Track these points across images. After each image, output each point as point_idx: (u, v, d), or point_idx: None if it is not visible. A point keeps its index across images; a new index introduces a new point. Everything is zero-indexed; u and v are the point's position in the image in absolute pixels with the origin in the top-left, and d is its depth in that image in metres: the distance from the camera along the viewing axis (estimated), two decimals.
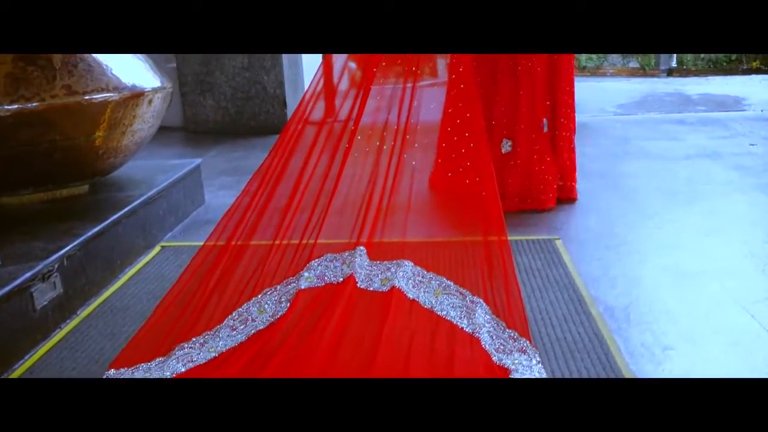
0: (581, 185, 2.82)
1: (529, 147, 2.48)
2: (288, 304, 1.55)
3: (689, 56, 18.05)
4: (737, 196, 2.59)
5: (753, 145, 3.40)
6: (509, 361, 1.40)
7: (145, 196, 2.31)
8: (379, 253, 1.70)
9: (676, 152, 3.35)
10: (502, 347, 1.45)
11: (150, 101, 2.26)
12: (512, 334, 1.49)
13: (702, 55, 18.27)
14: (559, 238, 2.21)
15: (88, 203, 2.25)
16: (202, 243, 1.71)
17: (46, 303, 1.71)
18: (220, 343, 1.49)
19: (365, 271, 1.65)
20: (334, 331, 1.44)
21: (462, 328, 1.50)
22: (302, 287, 1.59)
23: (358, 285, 1.60)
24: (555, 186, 2.53)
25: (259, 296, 1.62)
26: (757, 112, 4.37)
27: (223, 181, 3.19)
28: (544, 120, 2.49)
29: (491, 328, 1.50)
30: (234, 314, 1.57)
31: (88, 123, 2.10)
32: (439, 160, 2.37)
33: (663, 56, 17.67)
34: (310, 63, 5.47)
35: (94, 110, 2.08)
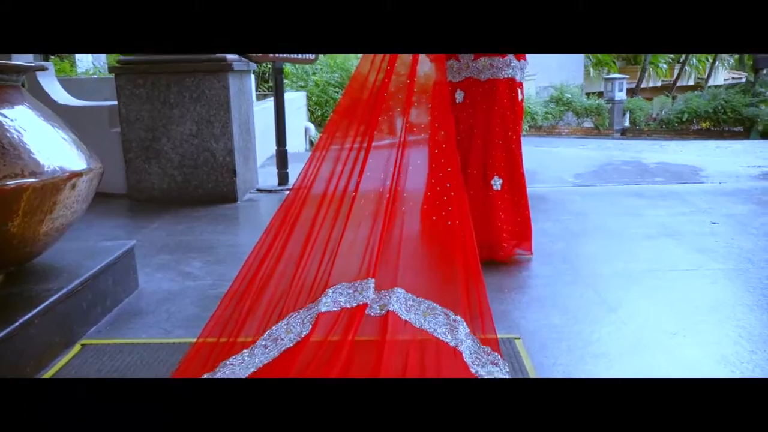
0: (540, 270, 2.71)
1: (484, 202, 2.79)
2: (311, 325, 1.81)
3: (642, 117, 18.55)
4: (703, 286, 2.47)
5: (714, 223, 3.33)
6: (484, 372, 1.73)
7: (65, 289, 2.08)
8: (378, 283, 1.96)
9: (637, 230, 3.25)
10: (478, 360, 1.78)
11: (74, 185, 2.05)
12: (486, 350, 1.81)
13: (654, 116, 18.80)
14: (519, 337, 2.05)
15: None
16: (129, 341, 1.84)
17: None
18: (257, 359, 1.76)
19: (371, 300, 1.92)
20: (349, 347, 1.72)
21: (447, 342, 1.79)
22: (322, 311, 1.84)
23: (366, 312, 1.86)
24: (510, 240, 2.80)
25: (286, 319, 1.87)
26: (715, 184, 4.35)
27: (161, 260, 2.96)
28: (495, 177, 2.79)
29: (470, 343, 1.81)
30: (265, 335, 1.84)
31: (1, 211, 1.88)
32: (425, 207, 2.46)
33: (616, 116, 18.14)
34: (263, 130, 5.34)
35: (7, 198, 1.87)
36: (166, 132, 4.09)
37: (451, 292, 1.97)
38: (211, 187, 4.15)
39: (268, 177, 4.90)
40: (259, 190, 4.54)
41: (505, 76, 2.82)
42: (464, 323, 1.86)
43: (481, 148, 2.81)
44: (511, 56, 2.80)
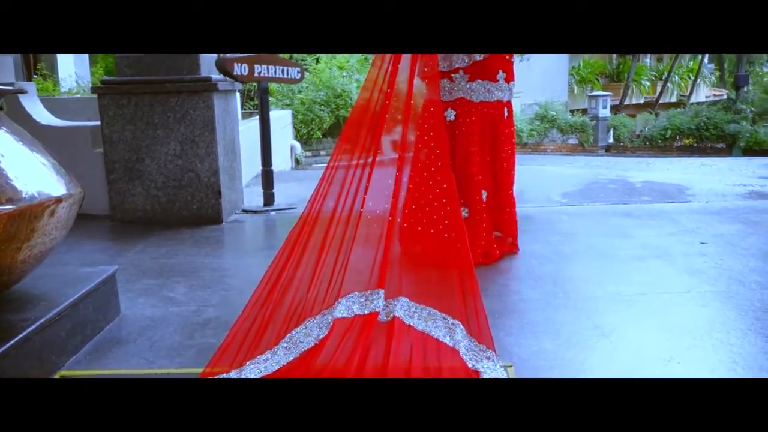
0: (531, 294, 2.68)
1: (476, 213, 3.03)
2: (327, 330, 2.01)
3: (625, 133, 18.68)
4: (696, 309, 2.45)
5: (703, 243, 3.32)
6: (480, 366, 1.93)
7: (43, 319, 2.01)
8: (386, 293, 2.18)
9: (627, 251, 3.23)
10: (475, 357, 1.97)
11: (53, 212, 1.99)
12: (482, 348, 2.01)
13: (638, 133, 18.94)
14: (511, 365, 2.01)
15: None
16: (110, 372, 1.90)
17: None
18: (280, 359, 1.96)
19: (381, 308, 2.13)
20: (362, 349, 1.92)
21: (446, 343, 2.01)
22: (337, 317, 2.04)
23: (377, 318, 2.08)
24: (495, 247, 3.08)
25: (304, 324, 2.07)
26: (702, 203, 4.35)
27: (144, 285, 2.89)
28: (483, 191, 3.04)
29: (467, 343, 2.02)
30: (286, 338, 2.03)
31: None
32: (405, 224, 2.73)
33: (600, 133, 18.26)
34: (249, 149, 5.29)
35: None
36: (150, 152, 4.03)
37: (449, 298, 2.18)
38: (195, 208, 4.09)
39: (254, 197, 4.85)
40: (245, 211, 4.49)
41: (495, 98, 3.02)
42: (461, 326, 2.08)
43: (475, 164, 3.00)
44: (501, 80, 3.00)
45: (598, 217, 4.06)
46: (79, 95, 7.28)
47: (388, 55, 2.43)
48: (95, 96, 4.13)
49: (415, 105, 2.47)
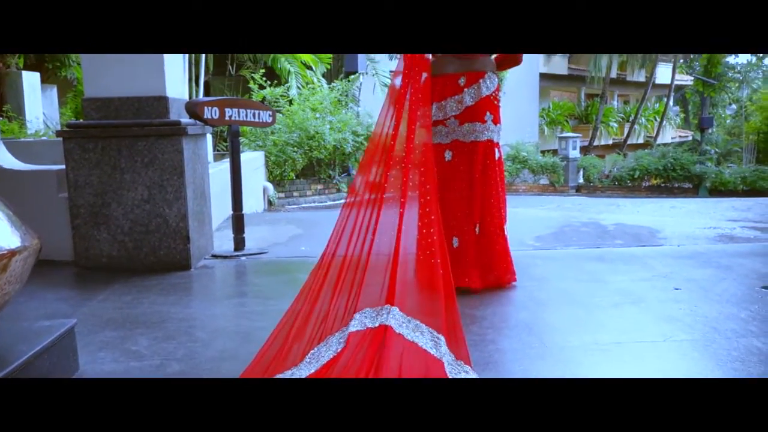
0: (507, 343, 2.63)
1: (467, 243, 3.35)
2: (344, 342, 2.23)
3: (595, 173, 18.98)
4: (673, 359, 2.41)
5: (677, 289, 3.30)
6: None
7: None
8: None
9: (602, 298, 3.20)
10: (454, 371, 2.17)
11: (5, 266, 1.90)
12: (460, 363, 2.22)
13: (607, 173, 19.26)
14: None
15: None
16: None
17: None
18: (302, 372, 2.15)
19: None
20: (370, 357, 2.13)
21: (432, 354, 2.21)
22: (352, 331, 2.27)
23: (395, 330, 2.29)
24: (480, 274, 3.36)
25: (325, 341, 2.30)
26: (674, 247, 4.37)
27: (105, 337, 2.78)
28: (476, 225, 3.35)
29: (448, 358, 2.22)
30: (309, 354, 2.25)
31: None
32: (418, 252, 2.90)
33: (571, 174, 18.51)
34: (220, 191, 5.22)
35: None
36: (117, 197, 3.93)
37: (434, 315, 2.41)
38: (163, 254, 3.99)
39: (225, 241, 4.76)
40: (214, 256, 4.39)
41: (485, 138, 3.33)
42: (444, 341, 2.29)
43: (468, 198, 3.33)
44: (489, 121, 3.32)
45: (572, 261, 4.05)
46: (45, 137, 7.16)
47: (393, 100, 2.92)
48: (61, 139, 4.03)
49: (415, 146, 2.82)
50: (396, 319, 2.32)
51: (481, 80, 3.29)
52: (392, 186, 2.74)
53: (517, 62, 3.48)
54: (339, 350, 2.22)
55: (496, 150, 3.39)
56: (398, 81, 3.03)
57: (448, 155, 3.35)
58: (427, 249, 2.75)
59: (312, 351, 2.27)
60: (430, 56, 3.27)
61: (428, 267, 2.69)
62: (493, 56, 3.39)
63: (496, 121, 3.35)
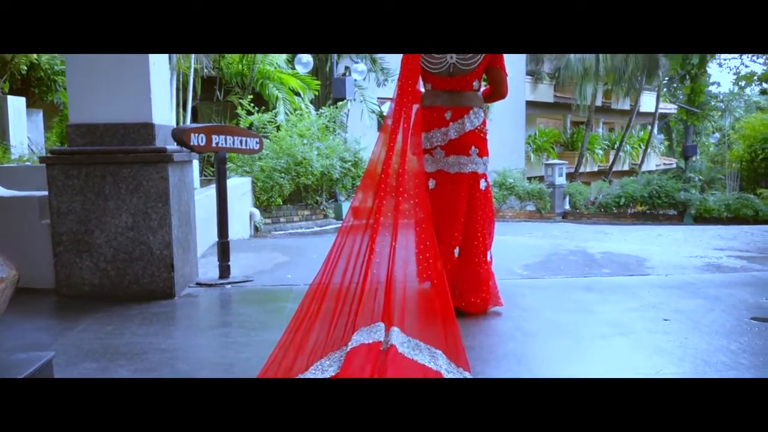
0: (495, 375, 2.59)
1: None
2: (344, 359, 2.39)
3: (581, 200, 19.07)
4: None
5: (666, 320, 3.28)
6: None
7: None
8: (386, 326, 2.60)
9: (590, 329, 3.18)
10: (451, 374, 2.36)
11: None
12: (460, 369, 2.41)
13: (592, 200, 19.35)
14: None
15: None
16: None
17: None
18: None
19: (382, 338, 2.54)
20: (371, 370, 2.31)
21: (431, 367, 2.37)
22: (349, 348, 2.44)
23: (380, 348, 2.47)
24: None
25: (326, 357, 2.48)
26: (662, 276, 4.36)
27: (84, 369, 2.70)
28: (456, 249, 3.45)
29: (447, 366, 2.41)
30: (314, 366, 2.41)
31: None
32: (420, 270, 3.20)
33: (557, 200, 18.60)
34: (206, 217, 5.16)
35: None
36: (100, 224, 3.87)
37: (433, 332, 2.60)
38: (146, 282, 3.92)
39: (210, 268, 4.70)
40: (199, 284, 4.32)
41: (469, 170, 3.45)
42: (443, 354, 2.47)
43: (449, 226, 3.43)
44: (474, 154, 3.44)
45: (560, 290, 4.02)
46: (29, 163, 7.09)
47: (387, 130, 3.13)
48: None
49: (407, 174, 3.04)
50: (397, 337, 2.50)
51: (465, 115, 3.41)
52: (386, 213, 2.94)
53: (502, 96, 3.55)
54: (341, 366, 2.39)
55: (482, 180, 3.50)
56: (391, 110, 3.21)
57: (431, 184, 3.45)
58: (425, 272, 3.05)
59: (315, 364, 2.45)
60: (422, 88, 3.45)
61: (426, 288, 2.99)
62: (481, 91, 3.51)
63: (482, 154, 3.47)
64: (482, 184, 3.50)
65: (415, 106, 3.26)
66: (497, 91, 3.52)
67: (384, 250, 2.82)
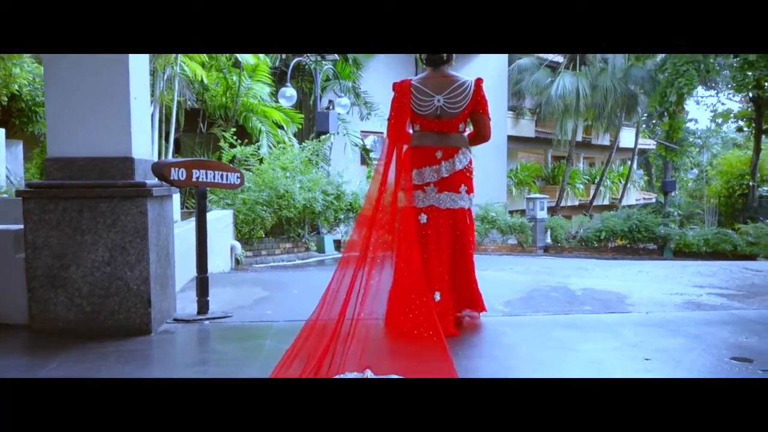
0: None
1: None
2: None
3: (562, 234, 19.16)
4: None
5: (648, 359, 3.27)
6: None
7: None
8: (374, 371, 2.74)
9: (572, 368, 3.15)
10: None
11: None
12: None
13: (574, 234, 19.46)
14: None
15: None
16: None
17: None
18: None
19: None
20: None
21: None
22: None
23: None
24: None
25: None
26: (643, 314, 4.36)
27: None
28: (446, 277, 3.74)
29: None
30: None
31: None
32: (389, 313, 3.50)
33: (539, 234, 18.67)
34: (186, 251, 5.11)
35: None
36: (76, 259, 3.81)
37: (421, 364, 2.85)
38: (122, 318, 3.85)
39: (188, 303, 4.62)
40: (176, 320, 4.25)
41: (458, 206, 3.75)
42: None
43: (436, 258, 3.68)
44: (463, 192, 3.75)
45: (542, 328, 4.00)
46: (6, 195, 7.00)
47: (381, 170, 3.48)
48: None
49: (398, 210, 3.36)
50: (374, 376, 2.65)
51: (455, 155, 3.72)
52: (379, 248, 3.33)
53: (485, 139, 3.86)
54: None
55: (468, 216, 3.85)
56: (384, 149, 3.58)
57: (423, 218, 3.71)
58: (415, 319, 3.30)
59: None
60: (410, 130, 3.75)
61: (414, 326, 3.26)
62: (466, 133, 3.82)
63: (470, 191, 3.80)
64: (468, 219, 3.85)
65: (405, 147, 3.59)
66: (480, 134, 3.83)
67: (377, 288, 3.20)
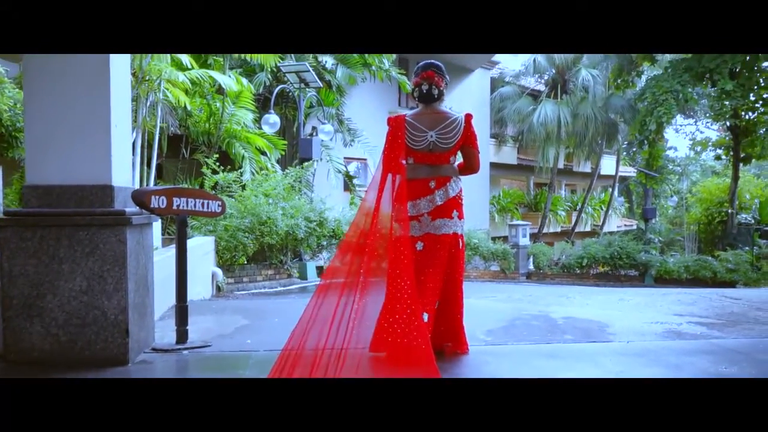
0: None
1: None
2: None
3: (545, 261, 19.20)
4: None
5: None
6: None
7: None
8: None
9: None
10: None
11: None
12: None
13: (556, 261, 19.50)
14: None
15: None
16: None
17: None
18: None
19: None
20: None
21: None
22: None
23: None
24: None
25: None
26: (623, 343, 4.37)
27: None
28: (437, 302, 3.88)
29: None
30: None
31: None
32: (398, 330, 3.50)
33: (521, 261, 18.70)
34: (166, 278, 5.05)
35: None
36: (53, 288, 3.75)
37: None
38: (99, 348, 3.78)
39: (167, 332, 4.57)
40: (155, 350, 4.19)
41: (452, 231, 3.93)
42: None
43: (433, 281, 3.84)
44: (456, 217, 3.95)
45: (523, 358, 4.00)
46: None
47: (370, 203, 3.63)
48: None
49: (393, 239, 3.51)
50: None
51: (448, 184, 3.94)
52: (370, 274, 3.45)
53: (474, 171, 4.13)
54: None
55: (460, 240, 4.03)
56: (377, 178, 3.72)
57: (420, 246, 3.89)
58: (410, 334, 3.38)
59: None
60: (404, 162, 3.87)
61: (409, 350, 3.34)
62: (456, 164, 4.04)
63: (461, 216, 4.01)
64: (460, 243, 4.03)
65: (399, 177, 3.74)
66: (470, 166, 4.09)
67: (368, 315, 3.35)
